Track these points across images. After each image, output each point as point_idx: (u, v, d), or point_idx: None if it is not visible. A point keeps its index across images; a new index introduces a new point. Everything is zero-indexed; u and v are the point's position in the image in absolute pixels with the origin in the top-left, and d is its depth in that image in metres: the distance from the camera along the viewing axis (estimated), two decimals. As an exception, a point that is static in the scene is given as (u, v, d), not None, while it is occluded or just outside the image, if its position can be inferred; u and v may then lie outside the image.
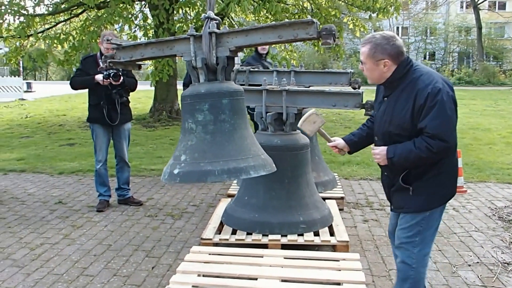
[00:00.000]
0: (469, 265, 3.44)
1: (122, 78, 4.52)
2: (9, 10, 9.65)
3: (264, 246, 3.44)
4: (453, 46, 40.70)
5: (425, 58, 41.05)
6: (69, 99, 19.50)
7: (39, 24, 11.08)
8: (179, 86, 9.25)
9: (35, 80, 39.82)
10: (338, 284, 2.66)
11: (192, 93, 2.35)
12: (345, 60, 33.55)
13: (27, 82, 26.48)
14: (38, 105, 17.31)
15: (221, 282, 2.67)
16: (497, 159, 7.20)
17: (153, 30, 10.19)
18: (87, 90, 4.74)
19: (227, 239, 3.56)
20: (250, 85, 4.70)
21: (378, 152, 2.36)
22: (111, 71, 4.39)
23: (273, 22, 3.87)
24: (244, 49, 2.80)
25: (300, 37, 2.26)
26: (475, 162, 6.97)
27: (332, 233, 3.65)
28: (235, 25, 12.32)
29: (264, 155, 2.35)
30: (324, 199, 4.12)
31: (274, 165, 2.37)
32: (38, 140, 9.41)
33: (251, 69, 5.04)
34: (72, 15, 12.24)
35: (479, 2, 34.01)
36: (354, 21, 12.60)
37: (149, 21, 10.68)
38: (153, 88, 11.83)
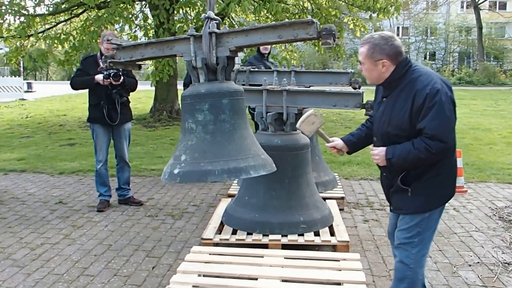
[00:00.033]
0: (470, 265, 3.44)
1: (122, 78, 4.53)
2: (9, 10, 9.66)
3: (265, 246, 3.44)
4: (453, 46, 40.70)
5: (425, 58, 41.06)
6: (70, 99, 19.51)
7: (39, 24, 11.09)
8: (180, 86, 9.26)
9: (35, 80, 39.83)
10: (339, 284, 2.66)
11: (192, 93, 2.35)
12: (345, 60, 33.54)
13: (27, 82, 26.51)
14: (39, 105, 17.32)
15: (222, 282, 2.67)
16: (497, 159, 7.19)
17: (153, 30, 10.20)
18: (87, 90, 4.74)
19: (228, 239, 3.56)
20: (250, 85, 4.70)
21: (377, 153, 2.36)
22: (111, 71, 4.39)
23: (273, 22, 3.87)
24: (245, 49, 2.80)
25: (300, 37, 2.26)
26: (475, 162, 6.96)
27: (332, 233, 3.65)
28: (236, 25, 12.31)
29: (264, 155, 2.35)
30: (324, 199, 4.12)
31: (274, 165, 2.37)
32: (39, 140, 9.42)
33: (251, 69, 5.04)
34: (72, 15, 12.25)
35: (479, 2, 34.00)
36: (354, 21, 12.60)
37: (150, 21, 10.68)
38: (153, 88, 11.84)
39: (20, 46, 11.19)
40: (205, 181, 2.27)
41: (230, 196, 4.70)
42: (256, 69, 5.18)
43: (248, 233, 3.61)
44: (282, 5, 11.31)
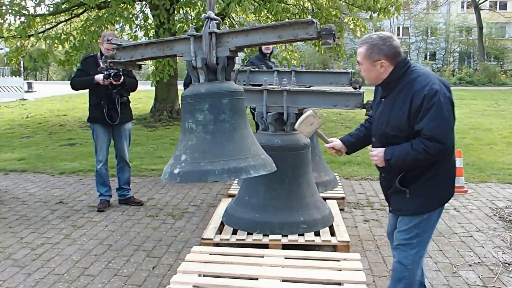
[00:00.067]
0: (470, 265, 3.43)
1: (122, 77, 4.53)
2: (10, 10, 9.67)
3: (265, 246, 3.44)
4: (454, 46, 40.69)
5: (426, 58, 41.06)
6: (70, 99, 19.51)
7: (40, 24, 11.09)
8: (180, 86, 9.26)
9: (35, 80, 39.82)
10: (339, 284, 2.66)
11: (192, 93, 2.35)
12: (345, 60, 33.51)
13: (28, 82, 26.51)
14: (39, 105, 17.32)
15: (222, 282, 2.67)
16: (498, 159, 7.19)
17: (153, 30, 10.20)
18: (87, 90, 4.74)
19: (228, 239, 3.56)
20: (251, 85, 4.70)
21: (376, 154, 2.36)
22: (112, 71, 4.39)
23: (273, 22, 3.87)
24: (245, 49, 2.80)
25: (300, 37, 2.26)
26: (476, 162, 6.96)
27: (332, 233, 3.65)
28: (236, 25, 12.31)
29: (264, 155, 2.35)
30: (324, 199, 4.12)
31: (274, 164, 2.37)
32: (39, 140, 9.42)
33: (252, 69, 5.04)
34: (72, 15, 12.25)
35: (480, 2, 33.98)
36: (354, 21, 12.60)
37: (150, 21, 10.68)
38: (153, 88, 11.84)
39: (21, 46, 11.20)
40: (205, 181, 2.27)
41: (230, 196, 4.70)
42: (257, 69, 5.18)
43: (249, 233, 3.61)
44: (283, 5, 11.31)
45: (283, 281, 2.68)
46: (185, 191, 5.51)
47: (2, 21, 10.07)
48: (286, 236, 3.53)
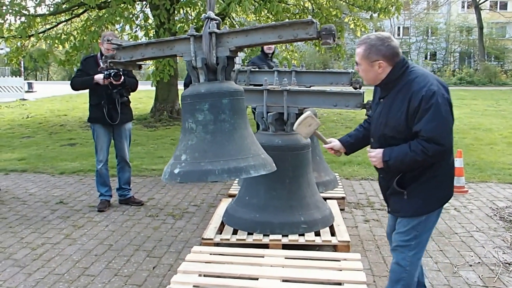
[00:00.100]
0: (470, 265, 3.43)
1: (122, 77, 4.53)
2: (10, 10, 9.67)
3: (265, 246, 3.44)
4: (454, 46, 40.68)
5: (426, 58, 41.06)
6: (70, 99, 19.52)
7: (40, 24, 11.10)
8: (180, 86, 9.26)
9: (36, 80, 39.87)
10: (339, 284, 2.66)
11: (192, 93, 2.35)
12: (346, 60, 33.48)
13: (28, 82, 26.53)
14: (39, 105, 17.33)
15: (222, 282, 2.67)
16: (498, 159, 7.18)
17: (154, 30, 10.20)
18: (88, 90, 4.74)
19: (228, 239, 3.56)
20: (251, 85, 4.70)
21: (374, 155, 2.35)
22: (112, 70, 4.39)
23: (273, 22, 3.87)
24: (245, 49, 2.81)
25: (300, 37, 2.26)
26: (476, 162, 6.96)
27: (333, 233, 3.65)
28: (236, 25, 12.32)
29: (264, 155, 2.35)
30: (325, 199, 4.12)
31: (274, 164, 2.37)
32: (39, 140, 9.43)
33: (252, 69, 5.04)
34: (73, 15, 12.26)
35: (480, 2, 33.96)
36: (355, 21, 12.59)
37: (150, 21, 10.69)
38: (154, 88, 11.84)
39: (21, 46, 11.20)
40: (205, 181, 2.27)
41: (230, 196, 4.70)
42: (257, 69, 5.18)
43: (249, 233, 3.61)
44: (283, 5, 11.31)
45: (284, 281, 2.68)
46: (185, 191, 5.52)
47: (2, 21, 10.08)
48: (287, 236, 3.53)
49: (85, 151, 8.03)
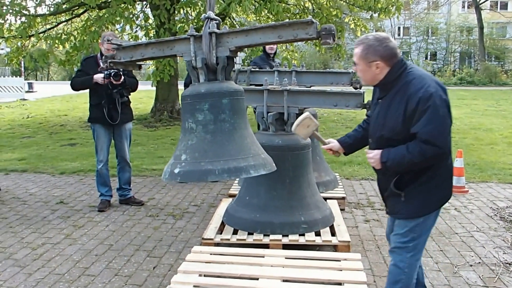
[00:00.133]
0: (471, 265, 3.43)
1: (123, 77, 4.53)
2: (10, 11, 9.68)
3: (266, 246, 3.44)
4: (454, 46, 40.66)
5: (426, 58, 41.04)
6: (71, 99, 19.53)
7: (40, 24, 11.10)
8: (180, 86, 9.26)
9: (36, 80, 39.85)
10: (339, 284, 2.66)
11: (192, 93, 2.35)
12: (346, 60, 33.45)
13: (28, 82, 26.52)
14: (40, 105, 17.34)
15: (222, 282, 2.67)
16: (498, 159, 7.18)
17: (154, 30, 10.20)
18: (88, 90, 4.74)
19: (228, 239, 3.56)
20: (252, 85, 4.70)
21: (372, 156, 2.34)
22: (112, 70, 4.39)
23: (273, 22, 3.87)
24: (246, 49, 2.81)
25: (299, 37, 2.26)
26: (476, 162, 6.95)
27: (333, 233, 3.64)
28: (236, 25, 12.32)
29: (264, 155, 2.35)
30: (325, 199, 4.12)
31: (274, 164, 2.37)
32: (40, 140, 9.43)
33: (252, 69, 5.04)
34: (73, 15, 12.27)
35: (480, 2, 33.94)
36: (355, 21, 12.60)
37: (151, 21, 10.69)
38: (154, 88, 11.85)
39: (21, 46, 11.21)
40: (205, 181, 2.28)
41: (231, 196, 4.70)
42: (257, 69, 5.18)
43: (249, 233, 3.61)
44: (283, 5, 11.32)
45: (284, 281, 2.68)
46: (185, 191, 5.52)
47: (2, 21, 10.08)
48: (287, 236, 3.53)
49: (85, 151, 8.03)
